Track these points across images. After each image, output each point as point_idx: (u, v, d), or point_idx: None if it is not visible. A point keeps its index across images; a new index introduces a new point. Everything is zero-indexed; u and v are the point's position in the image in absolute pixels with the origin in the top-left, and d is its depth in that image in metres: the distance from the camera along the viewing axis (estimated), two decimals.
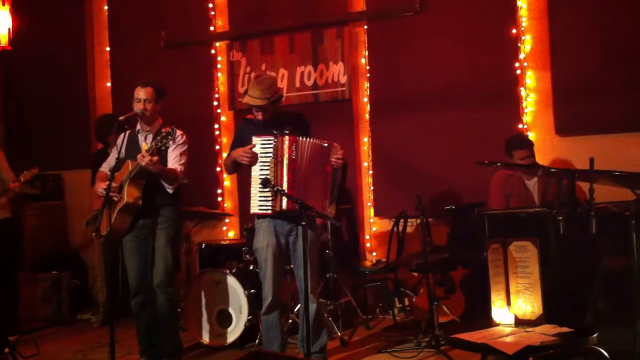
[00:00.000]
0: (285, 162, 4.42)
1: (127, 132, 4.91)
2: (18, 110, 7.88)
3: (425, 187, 5.84)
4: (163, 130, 4.68)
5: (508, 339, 2.99)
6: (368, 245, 6.53)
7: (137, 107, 4.72)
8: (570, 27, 5.75)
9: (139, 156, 4.54)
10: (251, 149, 4.46)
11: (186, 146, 4.80)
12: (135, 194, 4.62)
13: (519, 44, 5.89)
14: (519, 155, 5.20)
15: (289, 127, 4.55)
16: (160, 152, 4.64)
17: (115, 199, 4.65)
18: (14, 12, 7.06)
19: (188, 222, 6.20)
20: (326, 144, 4.55)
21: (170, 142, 4.58)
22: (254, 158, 4.44)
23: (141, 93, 4.74)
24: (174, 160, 4.75)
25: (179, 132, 4.72)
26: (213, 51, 7.09)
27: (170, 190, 4.72)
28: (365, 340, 5.45)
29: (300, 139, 4.47)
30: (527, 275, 3.21)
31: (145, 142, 4.78)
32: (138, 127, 4.87)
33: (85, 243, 7.22)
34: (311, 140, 4.51)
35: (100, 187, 4.66)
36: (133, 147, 4.81)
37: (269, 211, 4.41)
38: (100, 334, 5.94)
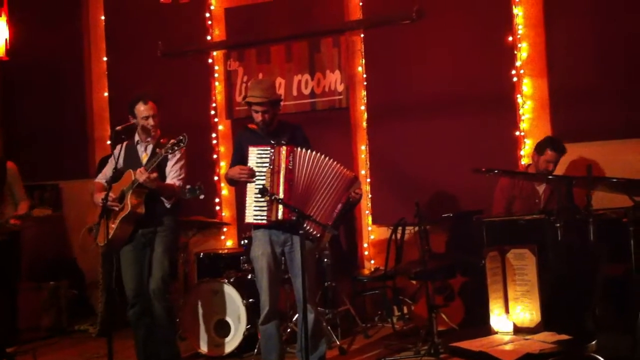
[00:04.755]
0: (282, 172, 4.37)
1: (125, 143, 4.92)
2: (16, 120, 7.88)
3: (423, 195, 5.85)
4: (162, 140, 4.73)
5: (507, 347, 2.99)
6: (366, 253, 6.52)
7: (147, 124, 4.76)
8: (567, 34, 5.77)
9: (137, 172, 4.56)
10: (250, 169, 4.44)
11: (185, 159, 4.83)
12: (137, 203, 4.64)
13: (515, 52, 5.91)
14: (548, 156, 5.21)
15: (285, 138, 4.53)
16: (160, 164, 4.65)
17: (117, 208, 4.66)
18: (11, 22, 7.07)
19: (186, 231, 6.19)
20: (352, 175, 4.51)
21: (177, 151, 4.60)
22: (251, 175, 4.43)
23: (147, 109, 4.76)
24: (174, 175, 4.77)
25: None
26: (210, 60, 7.10)
27: (167, 205, 4.75)
28: (364, 348, 5.44)
29: (298, 149, 4.44)
30: (526, 283, 3.21)
31: (145, 153, 4.81)
32: (137, 137, 4.88)
33: (84, 251, 7.21)
34: (315, 154, 4.44)
35: (100, 197, 4.66)
36: (133, 158, 4.83)
37: (264, 221, 4.39)
38: (98, 345, 5.91)
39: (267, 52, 6.79)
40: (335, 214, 4.42)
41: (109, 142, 7.28)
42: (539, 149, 5.29)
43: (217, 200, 7.01)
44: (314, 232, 4.34)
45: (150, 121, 4.76)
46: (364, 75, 6.49)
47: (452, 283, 5.51)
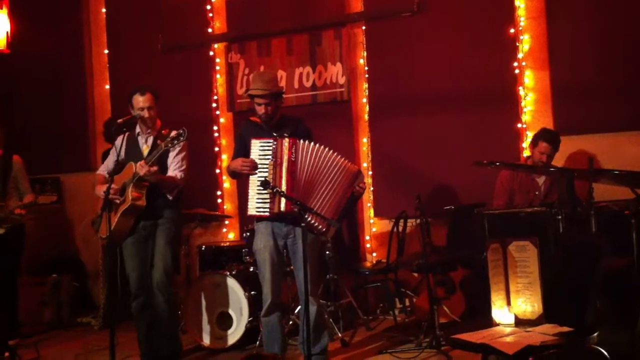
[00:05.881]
0: (285, 164, 4.38)
1: (126, 134, 4.92)
2: (17, 113, 7.87)
3: (425, 188, 5.85)
4: (163, 132, 4.74)
5: (508, 339, 2.99)
6: (368, 246, 6.52)
7: (143, 115, 4.76)
8: (569, 27, 5.75)
9: (137, 165, 4.57)
10: (252, 162, 4.44)
11: (186, 151, 4.83)
12: (138, 196, 4.65)
13: (518, 44, 5.89)
14: (541, 147, 5.22)
15: (288, 130, 4.53)
16: (161, 157, 4.66)
17: (118, 201, 4.66)
18: (12, 15, 7.06)
19: (188, 224, 6.20)
20: (355, 169, 4.52)
21: (177, 145, 4.60)
22: (254, 167, 4.43)
23: (144, 101, 4.76)
24: (176, 166, 4.78)
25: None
26: (211, 53, 7.09)
27: (169, 197, 4.75)
28: (366, 341, 5.45)
29: (301, 142, 4.44)
30: (527, 275, 3.21)
31: (146, 145, 4.81)
32: (137, 129, 4.89)
33: (86, 244, 7.23)
34: (318, 147, 4.44)
35: (102, 189, 4.67)
36: (134, 150, 4.84)
37: (267, 213, 4.39)
38: (101, 337, 5.93)
39: (268, 44, 6.78)
40: (340, 209, 4.43)
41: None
42: (534, 141, 5.31)
43: (219, 192, 7.01)
44: (319, 226, 4.35)
45: (145, 113, 4.76)
46: (366, 68, 6.48)
47: (453, 276, 5.52)
